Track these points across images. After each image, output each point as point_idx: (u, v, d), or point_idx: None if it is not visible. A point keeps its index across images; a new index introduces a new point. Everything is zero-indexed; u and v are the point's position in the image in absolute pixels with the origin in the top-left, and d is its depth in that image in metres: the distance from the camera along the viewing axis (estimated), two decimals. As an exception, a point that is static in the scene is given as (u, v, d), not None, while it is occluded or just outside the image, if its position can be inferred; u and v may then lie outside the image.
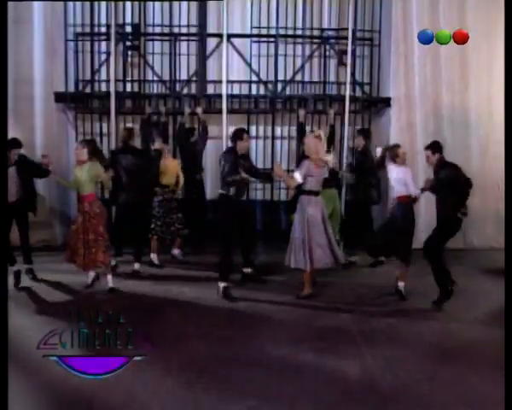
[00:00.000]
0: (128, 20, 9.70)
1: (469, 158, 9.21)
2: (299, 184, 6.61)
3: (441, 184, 6.49)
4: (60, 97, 9.09)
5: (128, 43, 9.58)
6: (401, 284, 6.79)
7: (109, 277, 6.86)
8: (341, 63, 9.68)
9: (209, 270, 7.54)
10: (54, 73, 9.06)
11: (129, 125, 9.13)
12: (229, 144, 7.25)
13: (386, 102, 9.30)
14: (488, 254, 8.98)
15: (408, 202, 6.68)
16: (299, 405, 4.26)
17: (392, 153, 6.77)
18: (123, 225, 7.76)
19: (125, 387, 4.53)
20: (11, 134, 8.67)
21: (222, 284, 6.74)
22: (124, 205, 7.68)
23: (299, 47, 10.01)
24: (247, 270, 7.43)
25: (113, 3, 9.22)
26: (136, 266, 7.73)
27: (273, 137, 10.16)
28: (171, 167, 8.33)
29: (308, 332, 5.74)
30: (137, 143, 8.14)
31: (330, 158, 6.79)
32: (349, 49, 9.18)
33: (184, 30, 9.82)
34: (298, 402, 4.29)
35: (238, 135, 6.94)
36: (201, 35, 9.83)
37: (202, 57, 9.85)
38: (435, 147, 6.72)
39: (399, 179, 6.67)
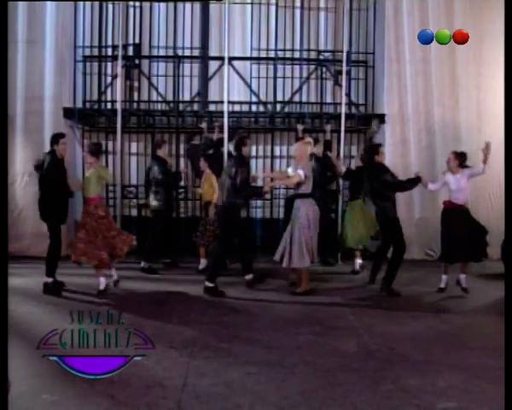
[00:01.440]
0: (134, 41, 10.19)
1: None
2: (297, 186, 6.95)
3: None
4: (68, 113, 9.47)
5: (129, 63, 10.03)
6: (462, 276, 7.22)
7: (102, 279, 6.94)
8: (337, 83, 10.12)
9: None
10: (63, 91, 9.45)
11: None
12: (235, 152, 7.56)
13: (381, 118, 9.68)
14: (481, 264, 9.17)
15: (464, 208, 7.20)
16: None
17: (462, 158, 7.26)
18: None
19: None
20: (21, 148, 9.19)
21: (210, 285, 6.96)
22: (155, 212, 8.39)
23: (296, 69, 10.49)
24: (249, 277, 7.56)
25: (120, 25, 9.67)
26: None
27: (272, 157, 10.53)
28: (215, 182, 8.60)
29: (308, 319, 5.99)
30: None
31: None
32: (344, 69, 9.60)
33: (188, 51, 10.31)
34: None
35: (242, 141, 7.32)
36: (204, 57, 10.31)
37: (204, 78, 10.30)
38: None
39: (459, 187, 7.14)
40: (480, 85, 9.52)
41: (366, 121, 10.02)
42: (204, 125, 9.49)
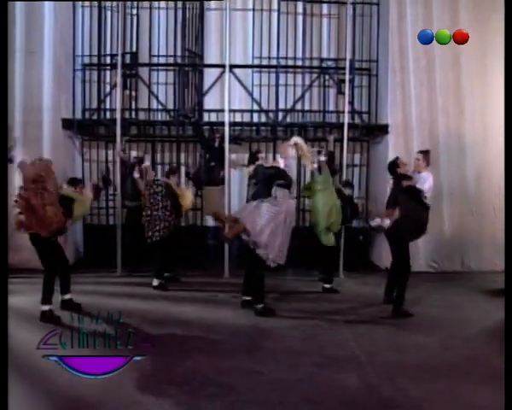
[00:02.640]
0: (132, 49, 10.09)
1: (465, 182, 9.49)
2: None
3: None
4: (67, 124, 9.35)
5: (127, 72, 9.87)
6: None
7: None
8: (340, 92, 9.96)
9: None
10: (61, 101, 9.33)
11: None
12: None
13: (384, 129, 9.54)
14: (486, 277, 9.10)
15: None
16: None
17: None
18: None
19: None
20: (20, 158, 9.06)
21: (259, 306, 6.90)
22: None
23: (299, 77, 10.35)
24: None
25: (119, 33, 9.50)
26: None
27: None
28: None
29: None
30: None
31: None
32: (347, 78, 9.42)
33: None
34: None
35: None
36: (201, 65, 10.18)
37: (200, 87, 10.20)
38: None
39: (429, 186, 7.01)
40: (485, 96, 9.36)
41: (369, 131, 9.90)
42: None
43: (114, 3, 9.92)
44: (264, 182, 6.95)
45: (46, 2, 9.05)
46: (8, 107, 8.84)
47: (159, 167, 10.33)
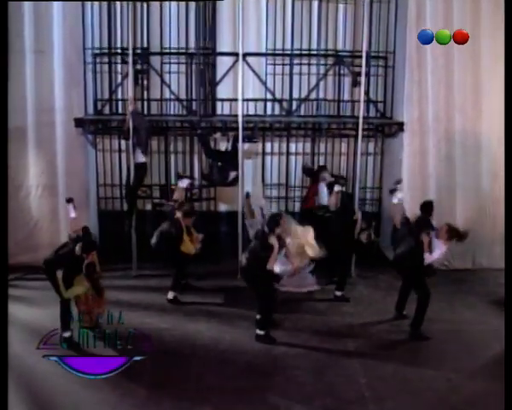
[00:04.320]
0: (144, 42, 9.87)
1: (480, 182, 9.41)
2: None
3: None
4: (79, 123, 9.29)
5: (138, 67, 9.69)
6: None
7: None
8: (355, 85, 9.75)
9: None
10: (73, 99, 9.24)
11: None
12: None
13: (400, 126, 9.40)
14: (497, 276, 9.12)
15: None
16: None
17: None
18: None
19: None
20: (34, 160, 9.14)
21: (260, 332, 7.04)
22: None
23: (313, 67, 10.10)
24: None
25: (130, 26, 9.27)
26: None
27: (288, 153, 10.37)
28: None
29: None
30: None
31: None
32: (363, 70, 9.14)
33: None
34: None
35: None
36: (214, 54, 9.96)
37: (213, 76, 10.03)
38: None
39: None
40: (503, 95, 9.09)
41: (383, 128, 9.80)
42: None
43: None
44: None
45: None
46: (20, 107, 8.92)
47: (172, 156, 10.29)
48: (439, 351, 6.85)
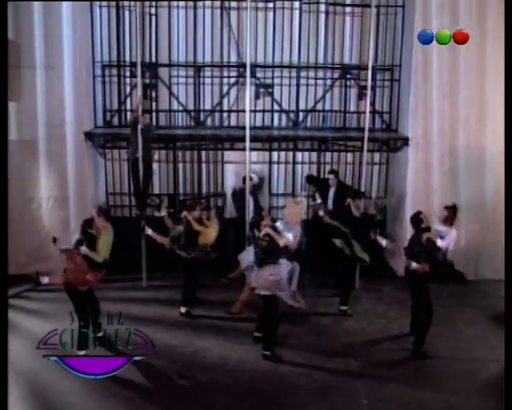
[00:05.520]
0: (153, 55, 10.03)
1: (484, 196, 9.52)
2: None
3: None
4: (89, 136, 9.47)
5: (146, 81, 9.87)
6: None
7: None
8: (361, 98, 9.86)
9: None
10: (83, 113, 9.39)
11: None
12: None
13: (405, 141, 9.51)
14: (498, 289, 9.25)
15: None
16: None
17: None
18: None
19: None
20: (45, 173, 9.29)
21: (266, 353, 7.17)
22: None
23: (320, 78, 10.26)
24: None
25: (139, 38, 9.36)
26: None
27: (294, 162, 10.52)
28: None
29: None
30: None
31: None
32: (369, 84, 9.17)
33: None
34: None
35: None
36: (221, 65, 10.14)
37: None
38: None
39: None
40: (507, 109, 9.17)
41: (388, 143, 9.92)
42: None
43: (132, 3, 9.68)
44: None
45: (64, 13, 8.92)
46: (32, 121, 9.09)
47: (180, 166, 10.45)
48: (439, 370, 7.00)
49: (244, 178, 9.26)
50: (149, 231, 8.52)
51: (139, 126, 8.69)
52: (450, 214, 7.32)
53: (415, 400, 6.38)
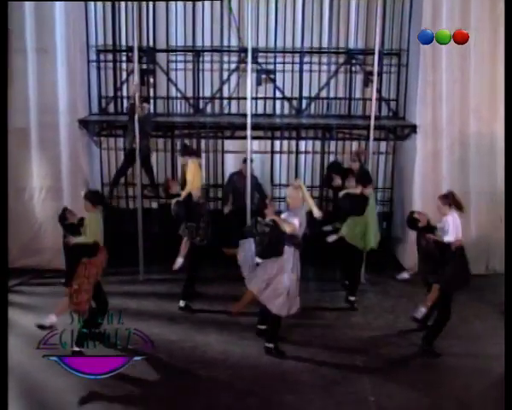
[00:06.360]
0: (150, 40, 9.64)
1: (495, 186, 9.12)
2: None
3: None
4: (84, 124, 9.08)
5: (144, 66, 9.51)
6: None
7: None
8: (367, 85, 9.50)
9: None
10: (77, 100, 8.96)
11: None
12: None
13: (413, 128, 9.13)
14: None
15: None
16: None
17: None
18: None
19: None
20: (38, 162, 8.94)
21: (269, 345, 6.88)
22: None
23: (324, 65, 9.88)
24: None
25: (136, 22, 9.02)
26: None
27: (297, 152, 10.14)
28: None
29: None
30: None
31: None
32: (375, 69, 8.81)
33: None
34: None
35: None
36: (221, 50, 9.77)
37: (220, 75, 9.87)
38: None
39: None
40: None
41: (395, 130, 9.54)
42: None
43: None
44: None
45: (57, -3, 8.54)
46: (23, 108, 8.72)
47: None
48: (449, 367, 6.67)
49: (245, 160, 8.91)
50: None
51: (136, 116, 8.35)
52: (443, 203, 6.89)
53: (424, 396, 6.06)
